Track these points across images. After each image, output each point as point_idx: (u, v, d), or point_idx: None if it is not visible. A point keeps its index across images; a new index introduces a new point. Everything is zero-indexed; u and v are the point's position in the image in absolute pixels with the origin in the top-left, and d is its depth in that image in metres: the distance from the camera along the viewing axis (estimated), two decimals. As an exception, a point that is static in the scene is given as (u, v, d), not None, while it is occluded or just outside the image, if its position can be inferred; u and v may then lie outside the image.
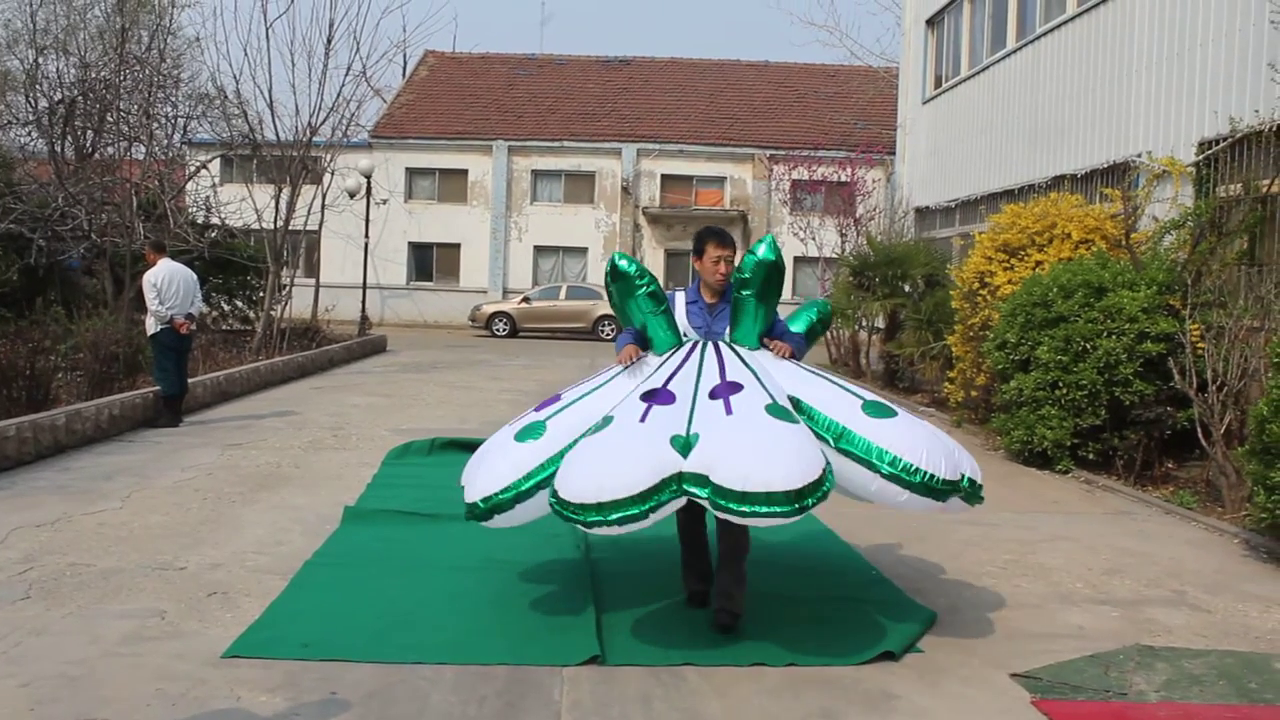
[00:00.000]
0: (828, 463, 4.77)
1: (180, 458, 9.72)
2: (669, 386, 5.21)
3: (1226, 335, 8.84)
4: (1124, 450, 9.83)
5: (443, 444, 10.19)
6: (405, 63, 38.72)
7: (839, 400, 5.22)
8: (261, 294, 20.49)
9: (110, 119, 20.29)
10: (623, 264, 5.57)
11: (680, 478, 4.66)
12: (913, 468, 4.88)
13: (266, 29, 19.77)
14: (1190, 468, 9.80)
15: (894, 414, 5.16)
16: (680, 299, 5.74)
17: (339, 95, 20.44)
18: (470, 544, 6.74)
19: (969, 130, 18.74)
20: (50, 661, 4.64)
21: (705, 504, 4.67)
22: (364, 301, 27.55)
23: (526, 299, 31.96)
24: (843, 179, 25.65)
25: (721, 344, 5.55)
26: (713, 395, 5.06)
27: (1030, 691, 4.63)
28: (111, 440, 10.52)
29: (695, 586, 5.69)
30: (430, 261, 36.14)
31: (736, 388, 5.07)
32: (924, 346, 15.58)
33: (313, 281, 24.70)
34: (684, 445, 4.76)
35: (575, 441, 5.05)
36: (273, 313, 19.23)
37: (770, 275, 5.45)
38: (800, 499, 4.53)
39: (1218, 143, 11.11)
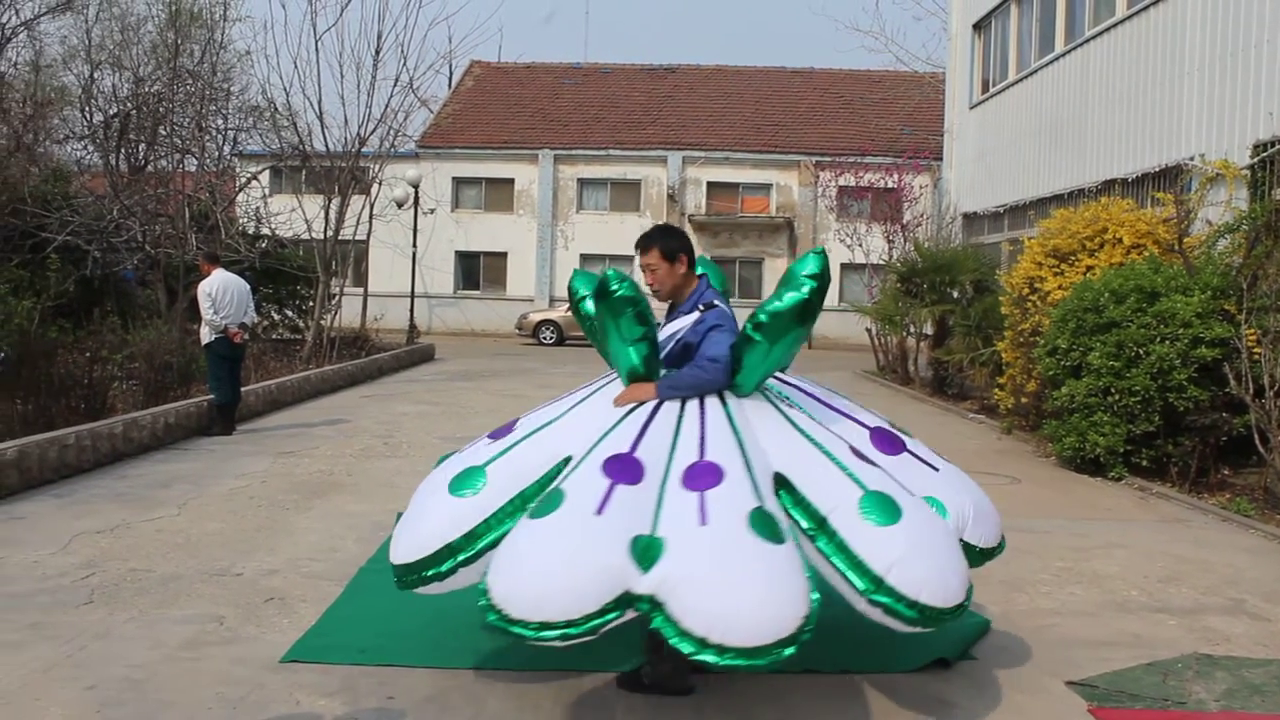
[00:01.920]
0: (813, 606, 3.73)
1: (234, 465, 9.85)
2: (636, 453, 4.20)
3: (1284, 340, 8.72)
4: (1178, 457, 9.72)
5: (492, 451, 10.22)
6: (451, 73, 39.06)
7: (832, 484, 4.24)
8: (311, 303, 20.70)
9: (163, 132, 20.62)
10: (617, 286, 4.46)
11: (632, 598, 3.73)
12: (901, 595, 3.96)
13: (316, 42, 19.98)
14: (1247, 474, 9.67)
15: (898, 517, 4.11)
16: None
17: (387, 106, 20.70)
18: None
19: (1017, 135, 18.61)
20: (114, 665, 4.72)
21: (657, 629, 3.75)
22: (412, 310, 27.76)
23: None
24: (889, 185, 25.59)
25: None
26: (687, 483, 4.05)
27: (1087, 700, 4.59)
28: (167, 448, 10.68)
29: (661, 675, 4.55)
30: (477, 270, 36.35)
31: (716, 476, 4.06)
32: (973, 353, 15.48)
33: (361, 291, 24.93)
34: (645, 552, 3.78)
35: (517, 505, 4.21)
36: (322, 322, 19.42)
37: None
38: (766, 654, 3.61)
39: (1273, 144, 10.97)
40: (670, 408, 4.48)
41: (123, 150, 20.68)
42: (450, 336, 33.23)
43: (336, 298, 20.52)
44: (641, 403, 4.53)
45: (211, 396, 11.87)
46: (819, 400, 4.90)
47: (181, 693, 4.45)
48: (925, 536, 4.13)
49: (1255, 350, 9.08)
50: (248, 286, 12.31)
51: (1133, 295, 9.98)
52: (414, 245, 28.77)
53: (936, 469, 4.71)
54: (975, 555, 4.56)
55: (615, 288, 4.41)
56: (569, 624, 3.67)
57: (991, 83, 20.47)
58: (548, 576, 3.74)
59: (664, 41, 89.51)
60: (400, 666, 4.79)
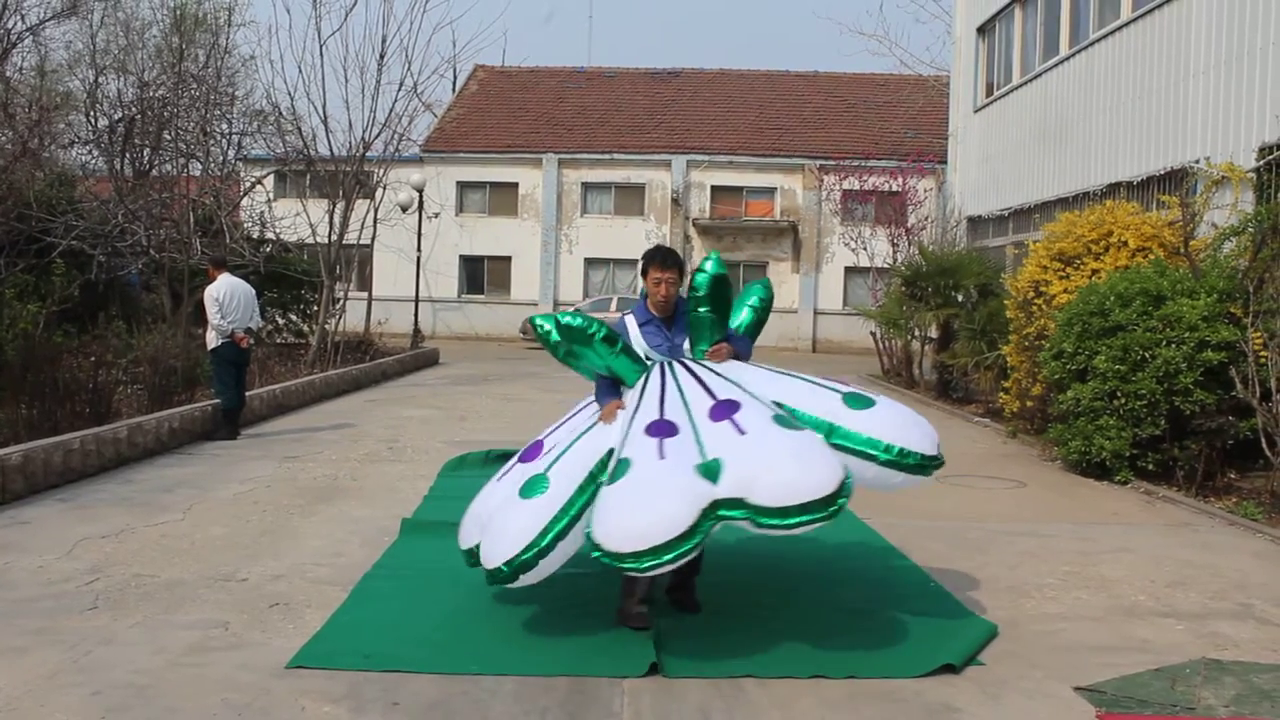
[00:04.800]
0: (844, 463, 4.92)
1: (239, 470, 9.85)
2: (667, 417, 5.24)
3: (1290, 343, 8.69)
4: (1185, 460, 9.69)
5: (497, 455, 10.19)
6: (455, 77, 39.05)
7: (818, 397, 5.41)
8: (316, 308, 20.71)
9: (167, 136, 20.65)
10: (570, 320, 5.63)
11: (716, 504, 4.71)
12: (907, 451, 5.16)
13: (320, 46, 20.09)
14: (1254, 478, 9.64)
15: (873, 403, 5.37)
16: (631, 322, 5.86)
17: (391, 110, 20.70)
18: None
19: (1022, 138, 18.59)
20: (119, 671, 4.71)
21: (746, 524, 4.75)
22: (416, 314, 27.77)
23: (577, 311, 31.90)
24: (894, 188, 25.60)
25: (689, 363, 5.68)
26: (714, 418, 5.14)
27: (1095, 705, 4.57)
28: (171, 453, 10.68)
29: (638, 609, 5.50)
30: (481, 274, 36.34)
31: (735, 407, 5.18)
32: (978, 356, 15.46)
33: (365, 295, 24.95)
34: (710, 471, 4.81)
35: (585, 489, 5.10)
36: (327, 326, 19.43)
37: (721, 289, 5.67)
38: (833, 503, 4.69)
39: (1279, 147, 10.94)
40: (671, 386, 5.48)
41: (127, 155, 20.69)
42: (454, 340, 33.24)
43: (341, 302, 20.53)
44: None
45: (217, 401, 11.88)
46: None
47: (186, 699, 4.44)
48: (900, 411, 5.45)
49: (1262, 353, 9.05)
50: (253, 291, 12.32)
51: (1138, 299, 9.96)
52: (418, 249, 28.76)
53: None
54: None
55: (588, 328, 5.60)
56: (675, 541, 4.60)
57: (996, 86, 20.46)
58: (642, 508, 4.71)
59: (667, 45, 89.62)
60: (406, 672, 4.78)
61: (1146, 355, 9.71)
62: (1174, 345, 9.57)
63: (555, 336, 5.59)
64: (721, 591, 6.00)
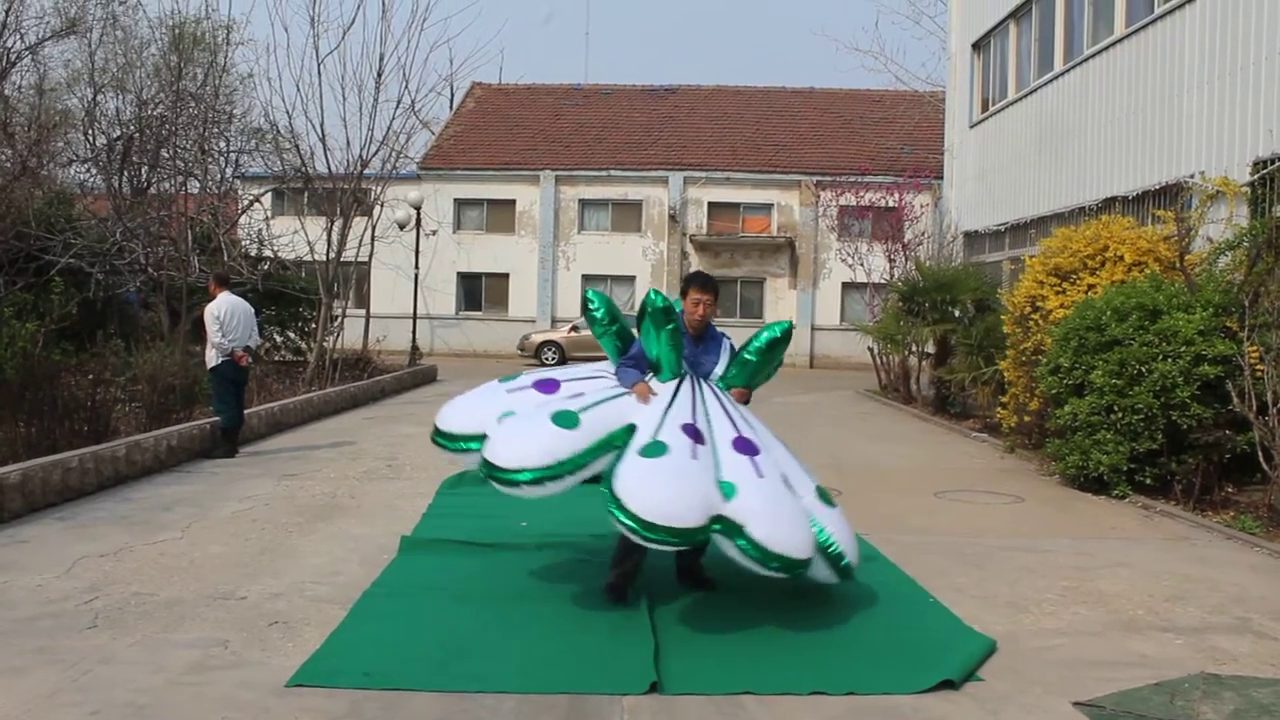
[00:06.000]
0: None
1: (238, 488, 9.84)
2: (697, 425, 5.91)
3: (1286, 357, 8.71)
4: (1182, 475, 9.70)
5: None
6: (453, 95, 39.13)
7: (800, 481, 5.99)
8: (313, 325, 20.72)
9: (166, 154, 20.72)
10: (662, 302, 6.26)
11: (720, 519, 5.35)
12: (841, 554, 5.73)
13: (318, 64, 20.07)
14: (1251, 492, 9.65)
15: (835, 506, 6.02)
16: None
17: (389, 128, 20.73)
18: (527, 572, 6.80)
19: (1017, 153, 18.65)
20: (119, 690, 4.71)
21: (729, 547, 5.38)
22: (414, 332, 27.77)
23: (575, 328, 31.86)
24: (890, 204, 25.62)
25: (714, 389, 6.33)
26: (736, 449, 5.80)
27: (1094, 720, 4.58)
28: (170, 471, 10.68)
29: (617, 581, 6.24)
30: (479, 291, 36.37)
31: (753, 449, 5.84)
32: (975, 372, 15.48)
33: (363, 312, 24.96)
34: (727, 491, 5.47)
35: (602, 445, 5.71)
36: (325, 344, 19.43)
37: (775, 352, 6.46)
38: (803, 566, 5.46)
39: (1273, 161, 10.99)
40: (696, 400, 6.12)
41: (125, 173, 20.78)
42: (452, 358, 33.25)
43: (339, 319, 20.54)
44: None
45: (215, 419, 11.87)
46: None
47: (186, 718, 4.44)
48: (845, 521, 6.03)
49: (1258, 367, 9.08)
50: (252, 310, 12.33)
51: (1135, 313, 9.98)
52: (416, 266, 28.81)
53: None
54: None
55: (671, 314, 6.29)
56: (679, 530, 5.26)
57: (991, 101, 20.53)
58: (674, 492, 5.36)
59: (664, 62, 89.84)
60: (406, 690, 4.78)
61: (1143, 369, 9.74)
62: (1170, 359, 9.59)
63: (652, 311, 6.24)
64: (720, 608, 6.01)
